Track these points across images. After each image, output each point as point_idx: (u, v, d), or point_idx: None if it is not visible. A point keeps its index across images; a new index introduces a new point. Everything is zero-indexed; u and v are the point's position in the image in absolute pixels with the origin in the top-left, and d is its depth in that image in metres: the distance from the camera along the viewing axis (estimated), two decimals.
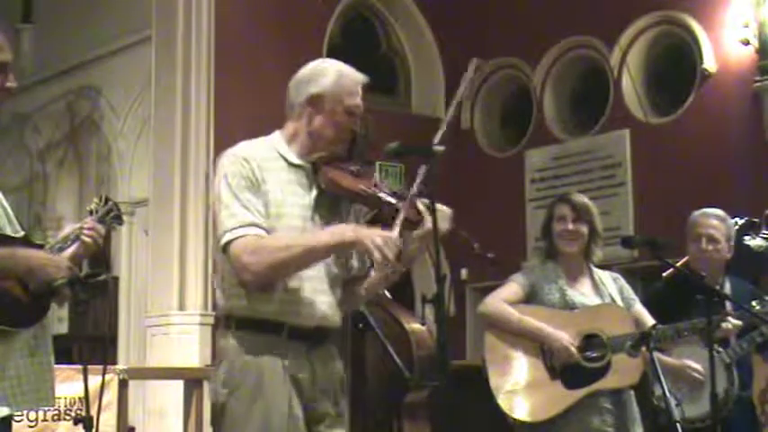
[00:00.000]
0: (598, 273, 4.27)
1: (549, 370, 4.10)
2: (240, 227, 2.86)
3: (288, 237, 2.88)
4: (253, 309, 2.93)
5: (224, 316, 3.00)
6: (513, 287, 4.21)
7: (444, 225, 2.92)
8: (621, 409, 4.09)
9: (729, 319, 4.22)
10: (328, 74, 3.04)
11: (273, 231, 2.91)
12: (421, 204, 2.93)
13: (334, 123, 3.01)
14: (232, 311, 2.97)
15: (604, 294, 4.19)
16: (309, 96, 3.02)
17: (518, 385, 4.13)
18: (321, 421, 3.00)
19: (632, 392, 4.16)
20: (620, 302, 4.20)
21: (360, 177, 3.01)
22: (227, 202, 2.90)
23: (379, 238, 2.77)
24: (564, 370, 4.09)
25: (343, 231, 2.87)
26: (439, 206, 2.91)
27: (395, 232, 2.83)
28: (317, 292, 2.94)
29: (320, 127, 3.01)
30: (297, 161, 3.02)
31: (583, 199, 4.25)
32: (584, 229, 4.17)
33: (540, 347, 4.12)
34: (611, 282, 4.26)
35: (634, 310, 4.21)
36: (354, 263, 3.12)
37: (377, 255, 2.76)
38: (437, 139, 3.03)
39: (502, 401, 4.12)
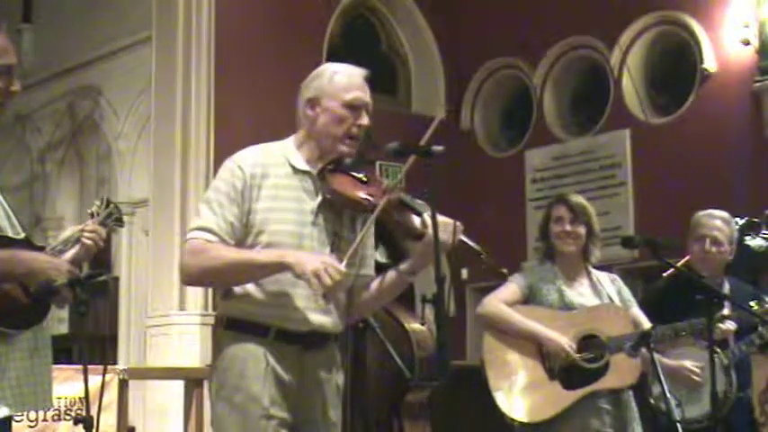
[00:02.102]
0: (596, 274, 4.27)
1: (548, 371, 4.10)
2: (196, 229, 2.94)
3: (230, 249, 2.90)
4: (243, 310, 2.96)
5: (218, 315, 3.05)
6: (511, 288, 4.21)
7: (445, 237, 2.88)
8: (620, 410, 4.08)
9: (727, 321, 4.22)
10: (323, 75, 3.06)
11: (261, 236, 2.94)
12: (425, 215, 2.91)
13: (336, 120, 3.00)
14: (225, 311, 3.01)
15: (603, 295, 4.19)
16: (307, 100, 3.05)
17: (517, 386, 4.12)
18: (306, 427, 2.98)
19: (631, 393, 4.15)
20: (618, 303, 4.20)
21: (367, 185, 2.99)
22: (203, 203, 3.00)
23: (320, 265, 2.76)
24: (563, 370, 4.09)
25: (283, 254, 2.85)
26: (446, 219, 2.90)
27: (343, 263, 2.82)
28: (310, 298, 2.92)
29: (323, 126, 3.01)
30: (303, 167, 3.02)
31: (580, 200, 4.24)
32: (582, 229, 4.17)
33: (538, 348, 4.12)
34: (610, 283, 4.27)
35: (631, 313, 4.20)
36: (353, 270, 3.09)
37: (313, 281, 2.75)
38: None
39: (501, 402, 4.12)
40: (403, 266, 3.02)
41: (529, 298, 4.20)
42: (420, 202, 2.96)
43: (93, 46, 11.01)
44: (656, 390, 4.25)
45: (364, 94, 3.04)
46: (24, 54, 11.65)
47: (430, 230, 2.86)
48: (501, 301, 4.18)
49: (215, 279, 3.02)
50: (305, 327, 2.94)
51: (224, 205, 2.94)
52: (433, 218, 2.86)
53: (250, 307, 2.94)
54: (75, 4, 11.45)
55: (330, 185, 2.96)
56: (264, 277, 2.91)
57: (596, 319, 4.11)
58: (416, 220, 2.94)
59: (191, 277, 2.98)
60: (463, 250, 2.97)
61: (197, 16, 9.18)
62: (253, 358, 2.91)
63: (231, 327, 2.97)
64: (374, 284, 3.11)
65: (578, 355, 4.07)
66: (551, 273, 4.21)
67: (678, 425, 3.74)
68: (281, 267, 2.85)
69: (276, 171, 3.00)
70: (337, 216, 3.02)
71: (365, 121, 3.03)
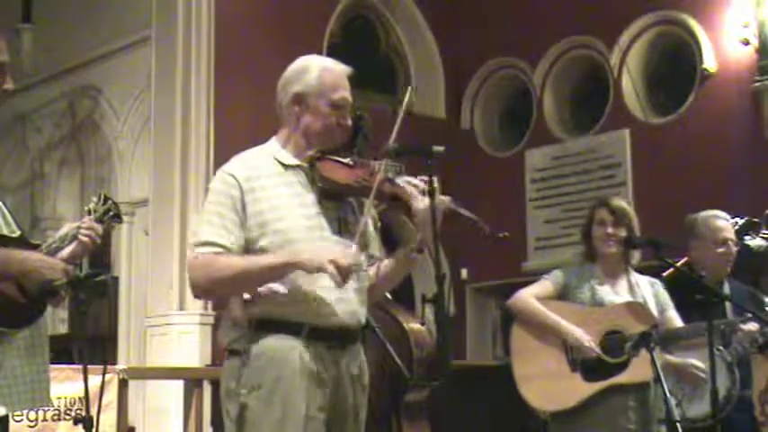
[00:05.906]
0: (636, 276, 4.36)
1: (570, 363, 4.21)
2: (198, 245, 2.94)
3: (237, 258, 2.90)
4: (272, 310, 2.93)
5: (246, 319, 2.96)
6: (546, 284, 4.33)
7: (440, 206, 2.92)
8: (647, 408, 4.14)
9: (749, 322, 4.26)
10: (310, 71, 3.06)
11: (275, 236, 2.93)
12: (409, 186, 2.96)
13: (321, 119, 3.02)
14: (252, 313, 2.95)
15: (638, 296, 4.28)
16: (294, 95, 3.04)
17: (538, 375, 4.25)
18: (338, 426, 2.98)
19: (657, 390, 4.16)
20: (653, 306, 4.25)
21: (355, 168, 3.02)
22: (201, 217, 3.01)
23: (331, 253, 2.79)
24: (584, 363, 4.17)
25: (293, 252, 2.85)
26: (440, 197, 2.94)
27: (353, 245, 2.87)
28: (335, 291, 2.90)
29: (308, 124, 3.03)
30: (293, 162, 3.03)
31: (621, 203, 4.35)
32: (623, 232, 4.25)
33: (563, 340, 4.22)
34: (648, 286, 4.35)
35: (666, 315, 4.28)
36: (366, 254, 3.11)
37: (330, 268, 2.76)
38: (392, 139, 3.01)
39: (522, 390, 4.26)
40: (409, 245, 3.04)
41: (563, 295, 4.30)
42: (405, 178, 3.01)
43: (93, 46, 11.00)
44: (657, 389, 4.26)
45: (348, 94, 3.07)
46: (24, 54, 11.64)
47: (417, 199, 2.92)
48: (532, 295, 4.30)
49: (226, 288, 2.98)
50: (335, 321, 2.93)
51: (223, 215, 2.93)
52: (434, 218, 2.87)
53: (279, 307, 2.92)
54: (76, 4, 11.44)
55: (321, 174, 2.99)
56: (276, 280, 2.90)
57: (621, 315, 4.19)
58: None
59: (201, 290, 2.98)
60: (459, 221, 3.02)
61: (197, 16, 9.18)
62: (289, 358, 2.89)
63: (262, 328, 2.93)
64: (382, 266, 3.11)
65: (600, 349, 4.15)
66: (588, 272, 4.31)
67: (678, 425, 3.75)
68: (292, 267, 2.85)
69: (268, 171, 3.00)
70: (338, 202, 3.04)
71: (349, 122, 3.07)
